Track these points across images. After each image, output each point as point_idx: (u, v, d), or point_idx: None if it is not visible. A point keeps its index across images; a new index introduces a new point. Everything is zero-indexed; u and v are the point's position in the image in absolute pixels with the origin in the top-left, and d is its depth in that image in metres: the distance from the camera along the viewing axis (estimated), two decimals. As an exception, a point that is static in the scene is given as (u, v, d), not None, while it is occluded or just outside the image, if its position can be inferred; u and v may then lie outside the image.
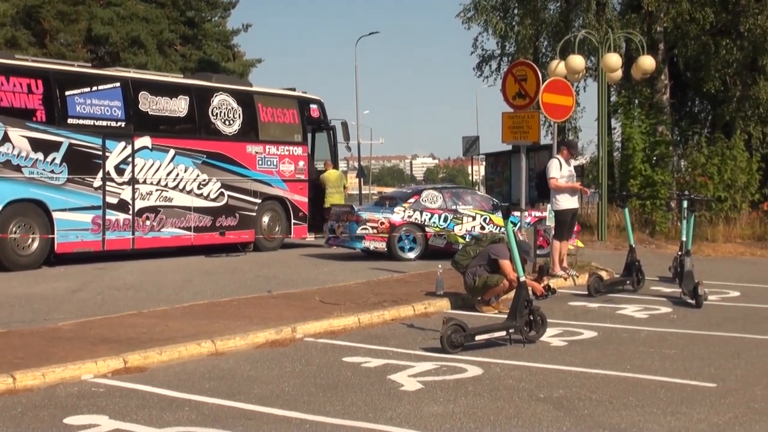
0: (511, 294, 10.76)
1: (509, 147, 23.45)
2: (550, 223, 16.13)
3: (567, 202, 15.52)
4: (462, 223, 20.08)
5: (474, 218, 20.22)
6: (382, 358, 9.20)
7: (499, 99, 16.53)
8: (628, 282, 14.83)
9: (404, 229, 19.90)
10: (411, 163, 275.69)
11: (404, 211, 20.02)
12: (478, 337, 9.74)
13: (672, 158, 28.39)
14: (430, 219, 19.95)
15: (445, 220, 20.04)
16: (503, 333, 9.99)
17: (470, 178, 64.72)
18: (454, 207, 20.39)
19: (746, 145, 27.33)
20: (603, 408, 7.29)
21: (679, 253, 14.64)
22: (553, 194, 15.58)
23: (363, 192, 63.43)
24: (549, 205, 16.29)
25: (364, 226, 19.78)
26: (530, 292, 10.50)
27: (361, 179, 62.75)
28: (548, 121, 21.56)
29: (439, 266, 13.59)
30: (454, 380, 8.27)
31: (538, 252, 19.63)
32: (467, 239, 18.46)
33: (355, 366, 8.91)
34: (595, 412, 7.18)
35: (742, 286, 15.78)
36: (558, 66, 20.11)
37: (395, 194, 22.40)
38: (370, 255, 19.78)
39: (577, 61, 20.51)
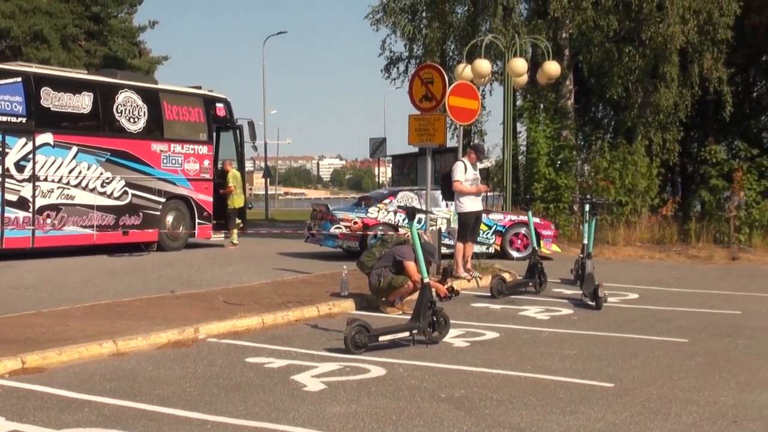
0: (416, 295, 10.81)
1: (416, 149, 23.60)
2: (454, 225, 16.26)
3: (471, 204, 15.68)
4: (436, 225, 20.31)
5: (448, 220, 20.60)
6: (286, 359, 9.18)
7: (407, 101, 16.63)
8: (530, 284, 15.03)
9: (377, 228, 20.17)
10: (318, 164, 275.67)
11: (378, 211, 20.46)
12: (381, 338, 9.78)
13: (575, 162, 28.86)
14: (403, 220, 20.10)
15: (419, 221, 20.14)
16: (407, 334, 10.04)
17: (377, 179, 64.84)
18: (429, 209, 20.52)
19: (647, 150, 27.86)
20: (503, 407, 7.38)
21: (581, 255, 14.89)
22: (457, 197, 15.72)
23: (269, 192, 63.24)
24: (453, 208, 16.42)
25: (337, 225, 20.24)
26: (434, 294, 10.58)
27: (268, 179, 62.58)
28: (454, 124, 21.70)
29: (344, 267, 13.60)
30: (357, 380, 8.29)
31: (515, 255, 20.45)
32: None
33: (258, 366, 8.87)
34: (496, 411, 7.27)
35: (640, 288, 16.11)
36: (465, 69, 20.32)
37: (373, 195, 22.80)
38: (350, 254, 19.65)
39: (484, 65, 20.76)
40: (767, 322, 12.33)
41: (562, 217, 25.93)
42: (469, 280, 15.59)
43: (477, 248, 20.16)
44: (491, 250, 21.19)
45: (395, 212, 20.45)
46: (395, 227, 20.23)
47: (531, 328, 11.51)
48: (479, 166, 16.44)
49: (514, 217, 21.55)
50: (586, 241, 14.84)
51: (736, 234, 25.26)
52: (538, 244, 20.62)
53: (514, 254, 21.11)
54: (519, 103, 29.96)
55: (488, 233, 21.09)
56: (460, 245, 15.87)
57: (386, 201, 21.00)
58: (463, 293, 14.05)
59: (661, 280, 17.85)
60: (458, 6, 30.44)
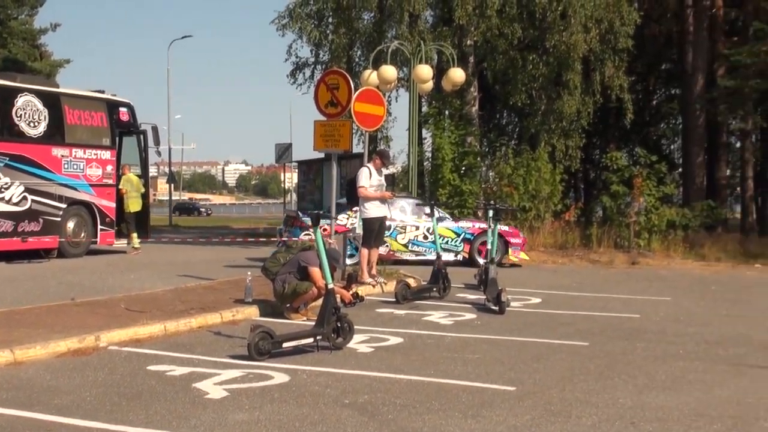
0: (320, 301, 10.79)
1: (322, 155, 23.56)
2: (359, 230, 16.28)
3: (375, 210, 15.72)
4: (405, 233, 21.21)
5: (417, 228, 21.33)
6: (188, 367, 9.08)
7: (313, 107, 16.58)
8: (434, 289, 15.12)
9: (348, 235, 20.05)
10: (223, 169, 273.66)
11: (348, 218, 20.50)
12: (285, 344, 9.74)
13: (480, 168, 29.17)
14: None
15: (389, 228, 20.48)
16: (311, 340, 10.02)
17: (283, 185, 64.62)
18: (398, 217, 21.27)
19: (550, 157, 28.29)
20: (407, 412, 7.40)
21: (485, 261, 15.02)
22: (362, 202, 15.75)
23: (173, 198, 62.55)
24: (358, 213, 16.44)
25: (307, 232, 20.04)
26: (338, 300, 10.59)
27: (172, 185, 61.93)
28: (360, 129, 21.75)
29: (249, 273, 13.51)
30: (260, 387, 8.24)
31: (483, 262, 20.29)
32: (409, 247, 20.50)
33: (159, 374, 8.76)
34: (399, 416, 7.29)
35: (543, 292, 16.34)
36: (371, 76, 20.37)
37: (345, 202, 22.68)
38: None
39: (390, 71, 20.83)
40: (665, 326, 12.58)
41: (467, 222, 26.14)
42: (374, 286, 15.61)
43: (446, 256, 20.74)
44: (460, 257, 21.60)
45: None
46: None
47: (435, 333, 11.57)
48: (385, 171, 16.48)
49: (483, 225, 21.76)
50: (489, 247, 15.00)
51: (636, 239, 25.80)
52: (506, 252, 21.48)
53: (482, 262, 21.33)
54: (424, 109, 30.15)
55: (457, 240, 21.58)
56: (365, 251, 15.89)
57: (356, 208, 20.91)
58: (368, 299, 14.08)
59: (563, 284, 18.13)
60: (365, 12, 30.49)
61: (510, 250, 21.77)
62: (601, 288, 17.59)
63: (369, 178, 15.61)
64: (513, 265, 21.95)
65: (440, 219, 21.27)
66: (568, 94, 28.46)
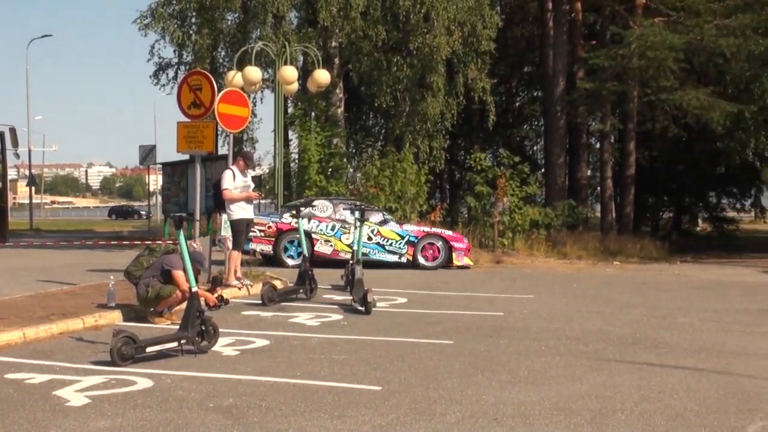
0: (185, 305, 10.64)
1: (187, 156, 23.29)
2: (226, 233, 16.13)
3: (241, 212, 15.61)
4: (349, 233, 21.30)
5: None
6: (48, 374, 8.84)
7: (177, 108, 16.35)
8: (301, 291, 15.09)
9: (290, 235, 21.11)
10: (86, 172, 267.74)
11: (293, 217, 20.72)
12: (149, 349, 9.58)
13: (346, 170, 29.24)
14: (317, 227, 21.64)
15: (333, 228, 21.50)
16: (175, 344, 9.88)
17: (147, 187, 63.62)
18: (343, 217, 21.64)
19: (415, 158, 28.53)
20: (272, 415, 7.37)
21: (351, 261, 15.09)
22: (228, 204, 15.62)
23: (35, 201, 60.89)
24: (224, 216, 16.31)
25: (252, 230, 19.90)
26: (203, 303, 10.47)
27: (32, 188, 60.27)
28: (225, 131, 21.57)
29: (111, 278, 13.24)
30: (123, 393, 8.08)
31: (427, 264, 21.39)
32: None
33: (18, 383, 8.50)
34: (264, 419, 7.25)
35: (409, 292, 16.47)
36: (235, 77, 20.23)
37: (293, 202, 23.15)
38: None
39: (254, 72, 20.72)
40: (528, 323, 12.83)
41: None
42: (239, 288, 15.50)
43: (390, 257, 21.45)
44: (404, 260, 21.82)
45: (310, 219, 21.47)
46: (308, 233, 20.98)
47: (301, 334, 11.55)
48: (251, 173, 16.38)
49: (427, 228, 22.55)
50: (355, 248, 15.07)
51: (500, 238, 26.29)
52: (451, 257, 21.80)
53: (426, 264, 21.83)
54: (290, 110, 30.11)
55: (401, 243, 21.80)
56: (234, 253, 15.76)
57: (302, 208, 21.23)
58: (234, 301, 13.97)
59: (429, 284, 18.32)
60: (228, 13, 30.21)
61: (454, 254, 22.08)
62: (467, 287, 17.84)
63: (233, 180, 15.50)
64: (460, 267, 22.23)
65: (384, 221, 22.01)
66: (432, 95, 28.75)
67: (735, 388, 8.52)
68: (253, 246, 21.18)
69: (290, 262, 21.30)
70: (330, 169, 27.46)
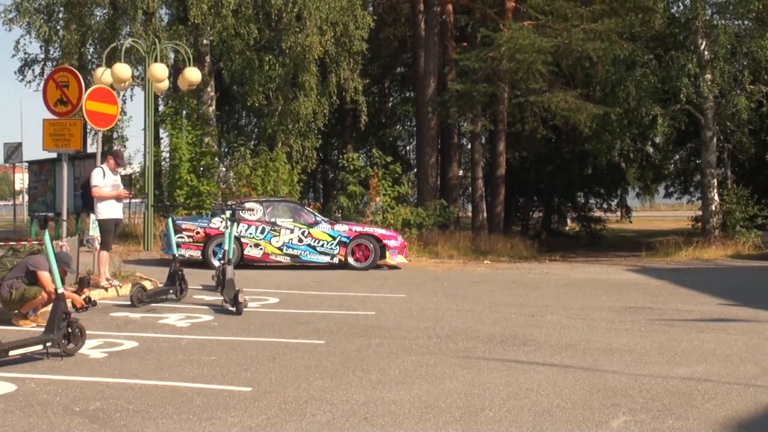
0: (51, 307, 10.37)
1: (54, 155, 22.81)
2: (94, 233, 15.79)
3: (110, 211, 15.32)
4: (279, 235, 21.38)
5: (292, 231, 21.54)
6: None
7: (44, 105, 15.94)
8: (171, 291, 14.87)
9: (219, 239, 20.63)
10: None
11: (221, 221, 20.17)
12: (12, 352, 9.32)
13: (218, 169, 28.98)
14: (246, 230, 21.35)
15: (263, 231, 21.36)
16: (40, 347, 9.62)
17: (13, 186, 61.90)
18: (273, 220, 21.47)
19: (288, 157, 28.46)
20: (140, 418, 7.25)
21: (222, 261, 14.94)
22: (97, 203, 15.31)
23: None
24: (93, 215, 15.96)
25: (180, 235, 20.76)
26: (69, 305, 10.23)
27: None
28: (93, 129, 21.16)
29: (-27, 279, 12.83)
30: (-16, 398, 7.86)
31: (357, 265, 21.32)
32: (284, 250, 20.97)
33: None
34: (132, 422, 7.12)
35: (281, 292, 16.41)
36: (104, 74, 19.80)
37: (219, 206, 22.24)
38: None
39: (123, 69, 20.31)
40: (399, 322, 12.91)
41: (206, 223, 25.95)
42: (107, 289, 15.19)
43: (322, 258, 21.44)
44: (336, 260, 21.67)
45: (239, 222, 20.54)
46: (237, 237, 20.64)
47: (171, 336, 11.39)
48: (122, 172, 16.09)
49: (359, 228, 22.28)
50: (226, 247, 14.93)
51: (373, 238, 26.33)
52: (384, 255, 21.82)
53: (356, 265, 21.70)
54: (161, 108, 29.70)
55: (332, 243, 21.63)
56: (104, 253, 15.45)
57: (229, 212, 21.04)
58: (103, 303, 13.72)
59: (302, 284, 18.27)
60: (97, 8, 29.63)
61: (387, 253, 21.98)
62: (339, 286, 17.85)
63: (103, 178, 15.20)
64: (391, 267, 22.28)
65: (315, 223, 21.83)
66: (305, 95, 28.74)
67: (600, 384, 8.73)
68: (182, 252, 20.90)
69: (217, 264, 20.99)
70: (201, 168, 27.18)
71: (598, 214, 48.01)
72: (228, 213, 15.35)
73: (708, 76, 30.62)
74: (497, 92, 31.66)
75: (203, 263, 20.88)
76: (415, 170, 38.52)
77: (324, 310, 14.11)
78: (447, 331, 12.01)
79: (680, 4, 33.20)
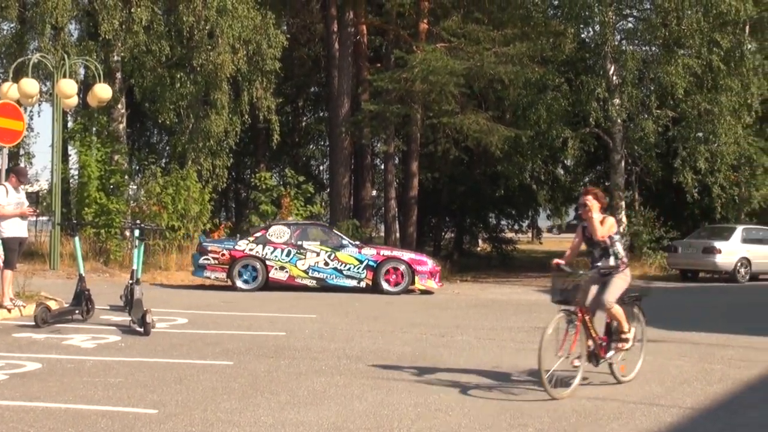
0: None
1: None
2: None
3: (14, 229, 14.93)
4: (305, 258, 21.50)
5: (318, 254, 21.70)
6: None
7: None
8: (77, 311, 14.55)
9: (244, 261, 21.18)
10: None
11: (247, 244, 21.57)
12: None
13: (127, 187, 28.56)
14: (272, 253, 21.56)
15: (288, 254, 21.39)
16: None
17: None
18: (300, 242, 21.51)
19: (199, 176, 28.16)
20: (40, 442, 7.08)
21: (130, 281, 14.70)
22: (0, 222, 14.93)
23: None
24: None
25: (206, 257, 21.47)
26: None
27: None
28: (-2, 145, 20.70)
29: None
30: None
31: (390, 289, 21.51)
32: (309, 273, 21.22)
33: None
34: (31, 447, 6.95)
35: (190, 313, 16.21)
36: (10, 89, 19.43)
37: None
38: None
39: (31, 85, 19.98)
40: (309, 342, 12.83)
41: (114, 242, 25.58)
42: (9, 310, 14.82)
43: (348, 282, 21.51)
44: (363, 284, 21.65)
45: (264, 245, 21.41)
46: (262, 260, 21.39)
47: (76, 357, 11.14)
48: (29, 189, 15.75)
49: (387, 252, 22.33)
50: (135, 267, 14.67)
51: (285, 257, 26.19)
52: (413, 281, 21.79)
53: (389, 289, 21.62)
54: (70, 125, 29.20)
55: (359, 267, 21.65)
56: (8, 272, 15.05)
57: (258, 234, 21.93)
58: (5, 323, 13.41)
59: (211, 304, 18.08)
60: (4, 22, 29.03)
61: (417, 277, 21.82)
62: (249, 307, 17.69)
63: (6, 197, 14.84)
64: (422, 292, 22.26)
65: (342, 246, 21.93)
66: (216, 113, 28.47)
67: (508, 405, 8.77)
68: (207, 274, 21.55)
69: (244, 286, 21.41)
70: (111, 186, 26.77)
71: (509, 235, 48.44)
72: (137, 232, 15.11)
73: (616, 101, 31.23)
74: (410, 113, 31.78)
75: (230, 286, 21.56)
76: (328, 190, 38.46)
77: (233, 331, 13.96)
78: (357, 352, 11.97)
79: (590, 29, 33.75)
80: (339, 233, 23.17)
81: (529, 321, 16.11)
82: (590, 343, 9.50)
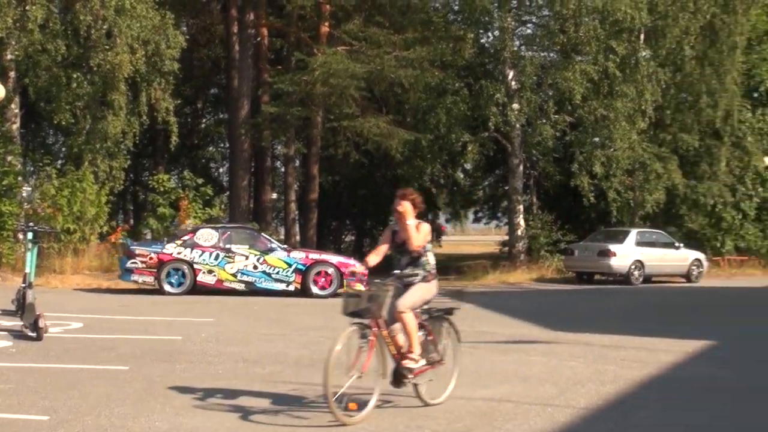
0: None
1: None
2: None
3: None
4: (234, 262, 21.49)
5: (247, 257, 21.57)
6: None
7: None
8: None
9: (172, 265, 21.20)
10: None
11: (175, 247, 21.40)
12: None
13: (21, 189, 27.91)
14: (200, 256, 21.39)
15: (217, 258, 21.36)
16: None
17: None
18: (228, 246, 21.24)
19: (95, 177, 27.63)
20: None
21: (23, 285, 14.40)
22: None
23: None
24: None
25: (134, 260, 21.21)
26: None
27: None
28: None
29: None
30: None
31: (320, 292, 21.35)
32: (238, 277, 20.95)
33: None
34: None
35: (85, 317, 15.94)
36: None
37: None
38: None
39: None
40: (206, 346, 12.72)
41: (7, 245, 24.99)
42: None
43: (277, 285, 21.37)
44: (291, 287, 21.48)
45: (192, 248, 21.42)
46: (190, 263, 21.22)
47: (-36, 363, 10.88)
48: None
49: (315, 256, 22.25)
50: (27, 270, 14.36)
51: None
52: (342, 284, 21.54)
53: (319, 292, 21.51)
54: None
55: (288, 271, 21.52)
56: None
57: (185, 237, 21.62)
58: None
59: (107, 308, 17.83)
60: None
61: (345, 280, 21.57)
62: (146, 311, 17.50)
63: None
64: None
65: (271, 249, 21.80)
66: (114, 114, 27.95)
67: (405, 407, 8.80)
68: (135, 277, 21.40)
69: (172, 290, 21.20)
70: (4, 188, 26.13)
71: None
72: (30, 234, 14.79)
73: (515, 105, 31.64)
74: (311, 116, 31.76)
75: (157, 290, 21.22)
76: (228, 193, 38.17)
77: (129, 335, 13.79)
78: (255, 356, 11.91)
79: (490, 35, 34.18)
80: (267, 236, 23.21)
81: (428, 323, 16.22)
82: (389, 360, 8.53)
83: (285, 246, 23.01)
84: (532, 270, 30.85)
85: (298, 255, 22.24)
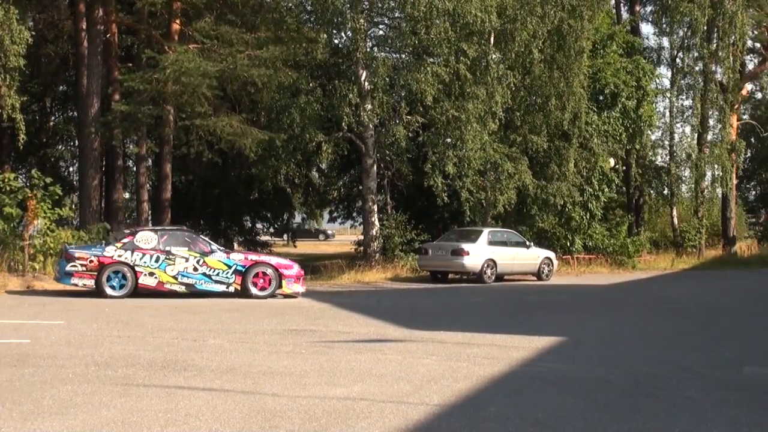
0: None
1: None
2: None
3: None
4: (174, 264, 21.31)
5: (187, 260, 21.40)
6: None
7: None
8: None
9: (113, 268, 20.93)
10: None
11: (116, 250, 21.15)
12: None
13: None
14: (141, 258, 21.17)
15: (157, 260, 21.20)
16: None
17: None
18: (168, 248, 21.42)
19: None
20: None
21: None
22: None
23: None
24: None
25: (73, 264, 20.93)
26: None
27: None
28: None
29: None
30: None
31: (259, 293, 21.37)
32: (179, 279, 21.14)
33: None
34: None
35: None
36: None
37: (117, 235, 22.21)
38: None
39: None
40: (55, 350, 12.43)
41: None
42: None
43: (217, 287, 21.22)
44: (231, 289, 21.31)
45: (133, 251, 21.17)
46: (131, 266, 21.04)
47: None
48: None
49: (255, 257, 22.20)
50: None
51: (31, 262, 25.34)
52: (280, 285, 21.65)
53: (257, 293, 21.44)
54: None
55: (228, 273, 21.35)
56: None
57: (125, 240, 21.21)
58: None
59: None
60: None
61: (284, 282, 21.77)
62: (-8, 314, 16.98)
63: None
64: (286, 296, 21.99)
65: (211, 251, 21.56)
66: None
67: (259, 407, 8.80)
68: (75, 281, 21.17)
69: (113, 293, 20.88)
70: None
71: (264, 238, 48.52)
72: None
73: (368, 106, 31.88)
74: (162, 115, 31.29)
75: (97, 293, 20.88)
76: (78, 192, 37.30)
77: (-27, 340, 13.36)
78: (106, 358, 11.70)
79: (343, 35, 34.33)
80: (206, 239, 23.15)
81: (283, 324, 16.24)
82: None
83: (224, 248, 23.00)
84: (387, 269, 31.15)
85: (238, 257, 22.24)
